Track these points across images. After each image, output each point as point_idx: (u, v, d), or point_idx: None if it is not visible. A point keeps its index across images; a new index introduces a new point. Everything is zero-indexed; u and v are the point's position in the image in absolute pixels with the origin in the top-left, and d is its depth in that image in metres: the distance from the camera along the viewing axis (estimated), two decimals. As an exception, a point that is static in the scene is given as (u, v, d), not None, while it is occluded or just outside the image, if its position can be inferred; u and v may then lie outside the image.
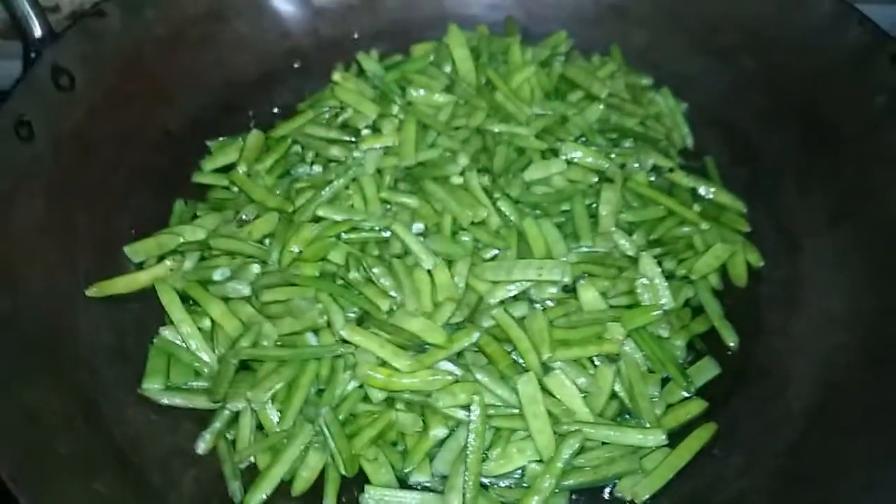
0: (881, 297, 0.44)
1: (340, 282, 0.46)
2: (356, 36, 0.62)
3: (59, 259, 0.45)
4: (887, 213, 0.46)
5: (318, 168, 0.51)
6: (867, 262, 0.46)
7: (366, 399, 0.42)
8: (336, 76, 0.55)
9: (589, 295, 0.45)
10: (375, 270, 0.45)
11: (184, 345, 0.44)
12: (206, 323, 0.45)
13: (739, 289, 0.49)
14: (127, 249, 0.48)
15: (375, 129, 0.53)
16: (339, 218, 0.47)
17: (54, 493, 0.35)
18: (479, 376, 0.42)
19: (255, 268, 0.46)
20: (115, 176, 0.50)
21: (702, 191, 0.52)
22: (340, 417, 0.41)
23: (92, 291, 0.45)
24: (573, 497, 0.41)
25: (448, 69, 0.56)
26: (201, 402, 0.43)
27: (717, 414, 0.43)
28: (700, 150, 0.56)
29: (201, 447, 0.41)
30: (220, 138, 0.55)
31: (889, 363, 0.41)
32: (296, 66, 0.61)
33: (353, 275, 0.45)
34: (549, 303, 0.46)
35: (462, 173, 0.49)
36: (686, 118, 0.57)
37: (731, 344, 0.47)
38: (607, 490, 0.41)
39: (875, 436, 0.39)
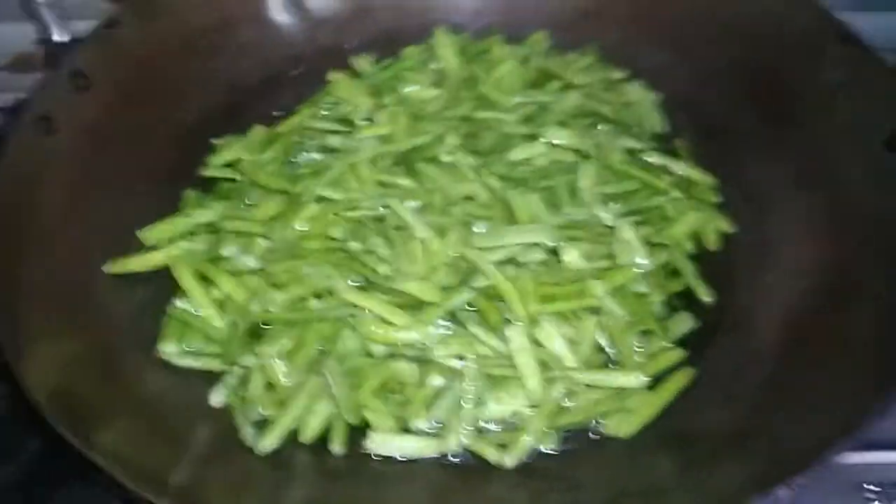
0: (840, 249, 0.48)
1: (342, 254, 0.49)
2: (351, 45, 0.66)
3: (79, 240, 0.49)
4: (842, 175, 0.50)
5: (318, 156, 0.55)
6: (827, 220, 0.50)
7: (368, 355, 0.45)
8: (331, 76, 0.60)
9: (571, 256, 0.48)
10: (374, 241, 0.49)
11: (197, 314, 0.47)
12: (217, 294, 0.48)
13: (713, 253, 0.53)
14: (140, 234, 0.51)
15: (371, 121, 0.57)
16: (339, 197, 0.51)
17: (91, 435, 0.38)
18: (471, 329, 0.45)
19: (262, 242, 0.50)
20: (128, 168, 0.54)
21: (673, 168, 0.56)
22: (344, 370, 0.44)
23: (109, 268, 0.49)
24: (564, 435, 0.44)
25: (436, 67, 0.60)
26: (214, 365, 0.46)
27: (694, 361, 0.46)
28: (672, 136, 0.60)
29: (215, 400, 0.44)
30: (225, 137, 0.60)
31: (847, 305, 0.45)
32: (295, 72, 0.65)
33: (354, 245, 0.49)
34: (534, 266, 0.49)
35: (451, 153, 0.53)
36: (658, 107, 0.62)
37: (706, 300, 0.50)
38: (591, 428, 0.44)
39: (837, 367, 0.42)
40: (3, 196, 0.45)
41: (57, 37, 0.56)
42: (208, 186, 0.57)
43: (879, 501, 0.46)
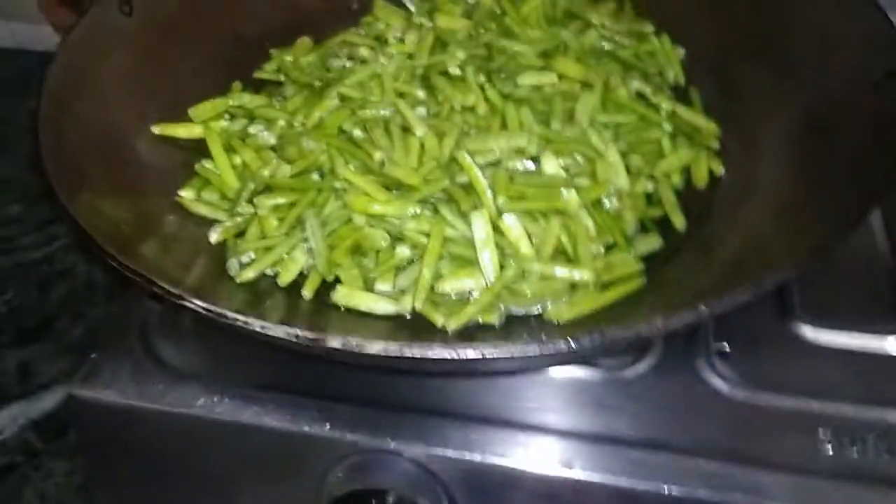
0: (814, 186, 0.49)
1: (348, 143, 0.55)
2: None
3: (134, 105, 0.58)
4: (831, 122, 0.51)
5: (349, 63, 0.62)
6: (810, 163, 0.51)
7: (348, 222, 0.51)
8: (378, 3, 0.67)
9: (551, 164, 0.52)
10: (377, 133, 0.55)
11: (218, 174, 0.55)
12: (238, 161, 0.55)
13: (697, 190, 0.55)
14: (191, 110, 0.59)
15: (402, 41, 0.63)
16: (356, 95, 0.58)
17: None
18: (442, 210, 0.50)
19: (282, 123, 0.57)
20: (190, 59, 0.63)
21: (680, 112, 0.59)
22: (326, 230, 0.50)
23: (156, 129, 0.57)
24: (507, 316, 0.47)
25: (472, 2, 0.66)
26: (220, 214, 0.53)
27: (649, 275, 0.49)
28: (688, 89, 0.63)
29: (213, 237, 0.51)
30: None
31: (797, 232, 0.46)
32: (354, 6, 0.72)
33: (357, 133, 0.55)
34: (516, 170, 0.53)
35: (460, 67, 0.58)
36: (682, 63, 0.64)
37: (679, 227, 0.52)
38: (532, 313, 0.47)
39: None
40: (72, 53, 0.54)
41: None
42: (257, 88, 0.65)
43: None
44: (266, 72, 0.65)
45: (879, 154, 0.43)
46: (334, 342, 0.32)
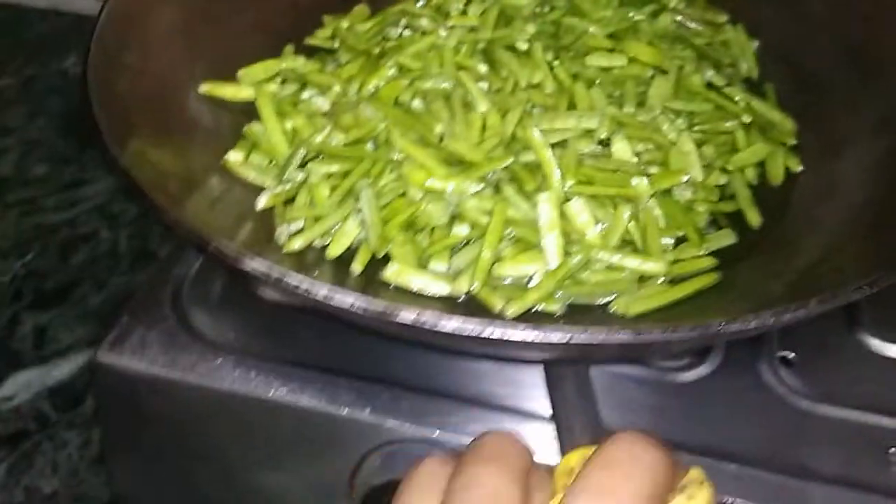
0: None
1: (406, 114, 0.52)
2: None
3: (184, 61, 0.55)
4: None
5: (408, 33, 0.59)
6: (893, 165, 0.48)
7: (404, 196, 0.48)
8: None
9: (621, 147, 0.49)
10: (435, 103, 0.52)
11: (268, 137, 0.52)
12: (289, 126, 0.53)
13: (774, 187, 0.52)
14: (241, 72, 0.57)
15: (464, 13, 0.60)
16: (415, 65, 0.55)
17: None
18: (505, 189, 0.47)
19: (337, 89, 0.54)
20: (241, 19, 0.60)
21: (755, 106, 0.56)
22: (380, 203, 0.47)
23: (204, 88, 0.54)
24: (571, 305, 0.44)
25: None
26: (268, 181, 0.50)
27: (724, 272, 0.46)
28: (762, 82, 0.59)
29: (260, 203, 0.48)
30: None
31: (882, 243, 0.43)
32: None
33: (416, 103, 0.52)
34: (586, 152, 0.50)
35: (528, 42, 0.55)
36: (755, 54, 0.61)
37: (754, 223, 0.49)
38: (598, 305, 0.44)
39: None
40: (121, 3, 0.51)
41: None
42: (310, 55, 0.62)
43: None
44: (319, 38, 0.62)
45: None
46: (407, 315, 0.29)
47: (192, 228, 0.37)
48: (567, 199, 0.46)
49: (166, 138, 0.48)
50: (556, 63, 0.55)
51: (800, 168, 0.52)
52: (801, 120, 0.55)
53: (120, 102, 0.48)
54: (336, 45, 0.60)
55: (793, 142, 0.54)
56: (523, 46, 0.55)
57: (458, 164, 0.49)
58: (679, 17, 0.59)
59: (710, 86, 0.56)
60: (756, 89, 0.59)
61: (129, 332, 0.50)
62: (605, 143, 0.50)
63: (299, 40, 0.63)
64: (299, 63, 0.56)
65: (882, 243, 0.41)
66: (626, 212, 0.46)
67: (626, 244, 0.47)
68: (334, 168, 0.48)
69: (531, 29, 0.55)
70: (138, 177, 0.39)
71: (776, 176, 0.52)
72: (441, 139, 0.50)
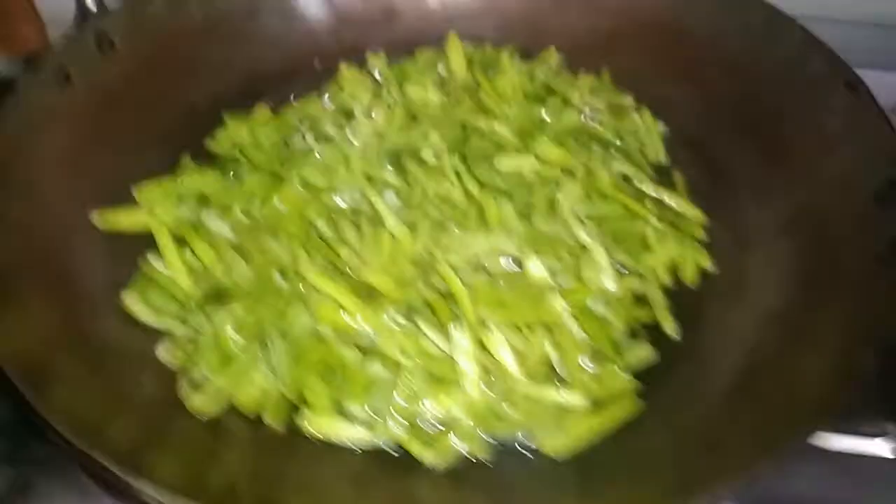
0: (812, 296, 0.46)
1: (313, 236, 0.50)
2: (373, 46, 0.68)
3: (73, 188, 0.51)
4: (828, 229, 0.49)
5: (312, 141, 0.57)
6: (807, 268, 0.48)
7: (315, 335, 0.46)
8: (343, 67, 0.62)
9: (535, 269, 0.48)
10: (344, 226, 0.50)
11: (166, 271, 0.49)
12: (189, 256, 0.50)
13: (685, 288, 0.52)
14: (136, 191, 0.54)
15: (369, 115, 0.58)
16: (321, 181, 0.53)
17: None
18: (419, 324, 0.45)
19: (240, 214, 0.51)
20: (138, 132, 0.57)
21: (665, 199, 0.56)
22: (289, 344, 0.45)
23: (96, 219, 0.51)
24: (496, 447, 0.43)
25: (444, 72, 0.61)
26: (172, 324, 0.47)
27: (645, 393, 0.45)
28: (671, 168, 0.60)
29: (161, 352, 0.45)
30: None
31: (808, 350, 0.43)
32: (316, 64, 0.67)
33: (323, 228, 0.50)
34: (498, 274, 0.49)
35: (436, 155, 0.53)
36: (662, 138, 0.61)
37: (672, 333, 0.49)
38: (525, 445, 0.43)
39: (784, 409, 0.40)
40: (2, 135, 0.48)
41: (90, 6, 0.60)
42: (210, 160, 0.59)
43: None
44: (220, 145, 0.59)
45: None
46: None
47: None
48: (482, 327, 0.45)
49: (51, 291, 0.45)
50: (463, 169, 0.53)
51: (711, 266, 0.52)
52: (711, 209, 0.56)
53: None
54: (237, 153, 0.58)
55: (703, 236, 0.54)
56: (431, 159, 0.53)
57: (368, 293, 0.47)
58: (585, 109, 0.59)
59: (622, 178, 0.56)
60: (665, 176, 0.59)
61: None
62: (518, 259, 0.49)
63: (200, 143, 0.60)
64: (198, 182, 0.54)
65: (803, 375, 0.42)
66: (543, 339, 0.45)
67: (544, 365, 0.46)
68: (239, 310, 0.46)
69: (435, 138, 0.54)
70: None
71: (689, 275, 0.52)
72: (349, 264, 0.49)
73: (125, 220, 0.52)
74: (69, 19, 0.80)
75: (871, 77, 0.51)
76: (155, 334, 0.47)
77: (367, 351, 0.45)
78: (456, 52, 0.61)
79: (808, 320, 0.45)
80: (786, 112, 0.55)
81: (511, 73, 0.59)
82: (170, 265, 0.49)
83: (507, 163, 0.54)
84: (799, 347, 0.44)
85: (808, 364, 0.42)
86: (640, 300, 0.50)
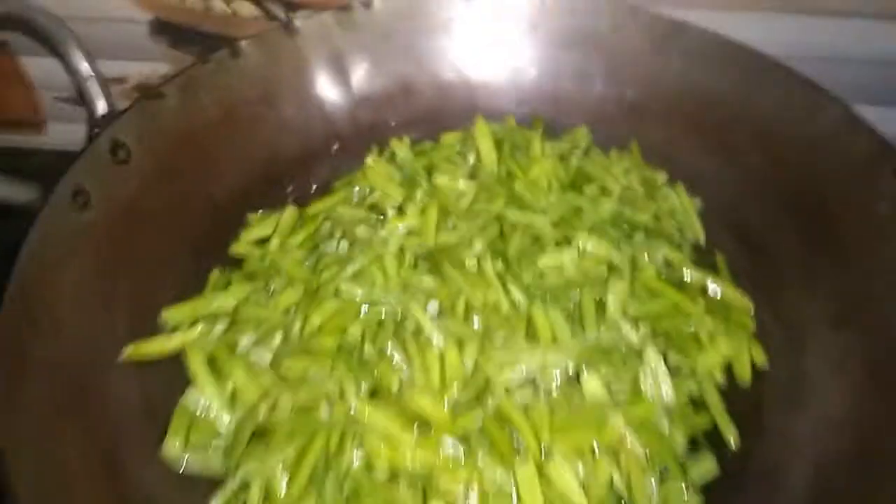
0: (880, 405, 0.45)
1: (356, 355, 0.48)
2: (392, 123, 0.66)
3: (100, 318, 0.49)
4: (888, 321, 0.47)
5: (344, 245, 0.55)
6: (868, 368, 0.47)
7: (369, 472, 0.44)
8: (369, 160, 0.59)
9: (592, 384, 0.46)
10: (388, 346, 0.48)
11: (206, 406, 0.47)
12: (229, 387, 0.48)
13: (741, 388, 0.50)
14: (164, 314, 0.51)
15: (401, 211, 0.56)
16: (359, 293, 0.50)
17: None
18: (480, 457, 0.43)
19: (278, 337, 0.49)
20: (161, 244, 0.54)
21: (710, 287, 0.54)
22: (345, 490, 0.43)
23: (127, 352, 0.48)
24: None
25: (472, 158, 0.59)
26: (217, 466, 0.45)
27: (712, 510, 0.44)
28: (711, 246, 0.58)
29: (213, 505, 0.43)
30: (260, 211, 0.59)
31: (886, 473, 0.42)
32: (335, 147, 0.65)
33: (368, 349, 0.48)
34: (553, 389, 0.47)
35: (477, 259, 0.52)
36: (698, 214, 0.60)
37: (732, 441, 0.47)
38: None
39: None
40: (23, 278, 0.45)
41: (99, 108, 0.57)
42: (239, 262, 0.57)
43: None
44: (244, 245, 0.57)
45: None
46: None
47: None
48: (544, 457, 0.43)
49: (80, 435, 0.43)
50: (505, 272, 0.52)
51: (765, 362, 0.51)
52: (755, 294, 0.54)
53: (19, 404, 0.42)
54: (265, 256, 0.56)
55: (752, 328, 0.53)
56: (472, 263, 0.51)
57: (421, 421, 0.45)
58: (622, 195, 0.57)
59: (664, 262, 0.55)
60: (705, 255, 0.58)
61: None
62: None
63: (224, 246, 0.58)
64: (229, 300, 0.51)
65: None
66: (608, 463, 0.44)
67: (607, 489, 0.45)
68: (289, 451, 0.44)
69: (479, 247, 0.52)
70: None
71: (743, 375, 0.50)
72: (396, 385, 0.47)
73: (155, 347, 0.49)
74: (59, 86, 0.78)
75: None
76: (202, 482, 0.45)
77: (425, 487, 0.44)
78: (485, 139, 0.59)
79: (875, 430, 0.44)
80: (828, 193, 0.54)
81: (544, 163, 0.57)
82: (208, 398, 0.47)
83: (549, 260, 0.53)
84: (870, 466, 0.42)
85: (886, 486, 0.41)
86: (697, 404, 0.49)
